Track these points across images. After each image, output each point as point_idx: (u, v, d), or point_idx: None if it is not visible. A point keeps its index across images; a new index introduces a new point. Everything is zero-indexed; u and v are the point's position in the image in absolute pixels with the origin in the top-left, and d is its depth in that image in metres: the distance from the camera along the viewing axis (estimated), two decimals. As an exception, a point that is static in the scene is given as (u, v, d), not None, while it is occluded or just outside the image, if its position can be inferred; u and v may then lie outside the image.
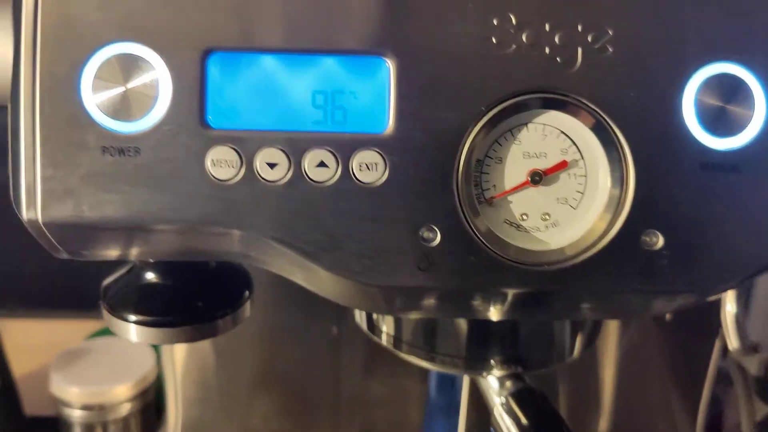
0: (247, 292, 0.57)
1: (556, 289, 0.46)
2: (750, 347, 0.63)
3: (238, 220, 0.44)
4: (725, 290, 0.52)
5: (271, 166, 0.43)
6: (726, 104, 0.45)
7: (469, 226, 0.44)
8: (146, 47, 0.43)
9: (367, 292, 0.46)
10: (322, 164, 0.43)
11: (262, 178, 0.43)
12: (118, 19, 0.43)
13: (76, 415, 0.87)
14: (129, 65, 0.43)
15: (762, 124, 0.45)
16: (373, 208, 0.44)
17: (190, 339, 0.55)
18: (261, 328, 0.75)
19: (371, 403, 0.77)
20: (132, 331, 0.53)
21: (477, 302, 0.48)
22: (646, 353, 0.84)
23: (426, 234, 0.44)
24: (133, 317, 0.53)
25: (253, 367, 0.78)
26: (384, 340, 0.59)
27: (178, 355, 0.77)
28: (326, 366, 0.74)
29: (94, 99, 0.43)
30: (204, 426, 0.79)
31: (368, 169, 0.44)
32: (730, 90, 0.45)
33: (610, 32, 0.44)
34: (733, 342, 0.65)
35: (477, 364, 0.56)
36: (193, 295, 0.55)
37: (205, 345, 0.78)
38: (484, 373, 0.57)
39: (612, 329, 0.83)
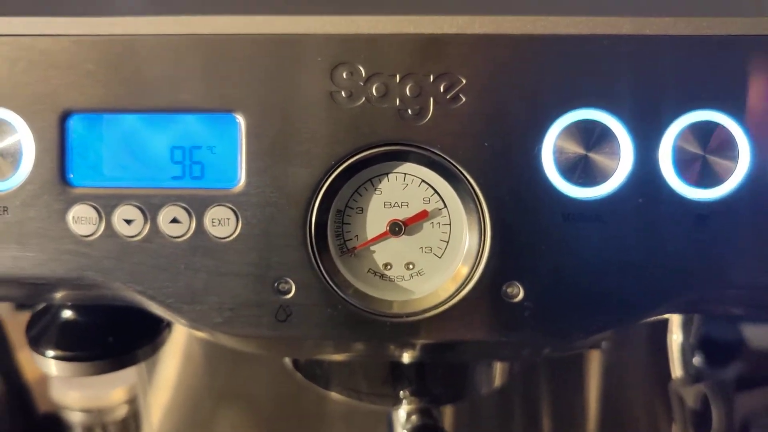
0: (165, 320, 0.59)
1: (415, 341, 0.46)
2: (691, 377, 0.61)
3: (102, 274, 0.45)
4: (597, 341, 0.51)
5: (128, 222, 0.45)
6: (589, 152, 0.43)
7: (324, 278, 0.45)
8: (9, 110, 0.45)
9: (233, 340, 0.47)
10: (175, 220, 0.45)
11: (121, 234, 0.45)
12: (-20, 86, 0.45)
13: (76, 417, 0.92)
14: (-5, 128, 0.45)
15: (628, 171, 0.43)
16: (227, 262, 0.45)
17: (110, 370, 0.57)
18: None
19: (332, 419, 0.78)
20: (52, 366, 0.56)
21: (345, 347, 0.48)
22: (631, 363, 0.81)
23: (282, 286, 0.45)
24: (52, 353, 0.56)
25: (218, 381, 0.80)
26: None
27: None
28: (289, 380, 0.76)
29: (-37, 161, 0.45)
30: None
31: (220, 224, 0.44)
32: (594, 137, 0.43)
33: (463, 81, 0.43)
34: (676, 370, 0.62)
35: (382, 398, 0.56)
36: (111, 329, 0.57)
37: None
38: (394, 407, 0.57)
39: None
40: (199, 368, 0.79)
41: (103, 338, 0.57)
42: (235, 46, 0.44)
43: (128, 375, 0.93)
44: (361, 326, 0.45)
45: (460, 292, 0.45)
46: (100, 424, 0.93)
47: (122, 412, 0.93)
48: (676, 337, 0.62)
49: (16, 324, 0.94)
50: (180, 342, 0.84)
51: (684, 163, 0.43)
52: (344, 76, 0.43)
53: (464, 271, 0.45)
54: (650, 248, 0.43)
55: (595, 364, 0.72)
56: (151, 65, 0.44)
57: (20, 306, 0.99)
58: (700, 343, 0.63)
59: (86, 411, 0.92)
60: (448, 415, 0.69)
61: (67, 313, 0.57)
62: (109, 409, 0.92)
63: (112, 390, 0.92)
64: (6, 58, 0.44)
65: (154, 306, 0.46)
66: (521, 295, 0.44)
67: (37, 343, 0.57)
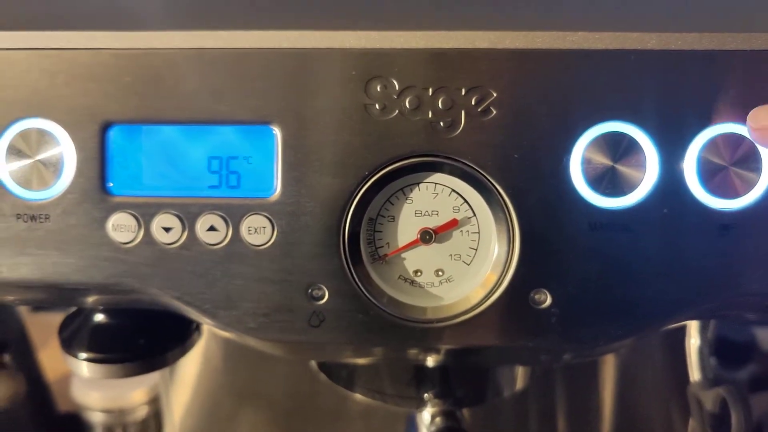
0: (194, 323, 0.60)
1: (444, 345, 0.47)
2: (709, 381, 0.62)
3: (139, 280, 0.47)
4: (619, 348, 0.52)
5: (167, 230, 0.46)
6: (616, 164, 0.45)
7: (357, 285, 0.46)
8: (51, 122, 0.46)
9: (266, 344, 0.48)
10: (212, 228, 0.46)
11: (159, 242, 0.46)
12: (25, 98, 0.46)
13: (97, 417, 0.93)
14: (37, 139, 0.46)
15: (654, 182, 0.45)
16: (263, 269, 0.46)
17: (141, 372, 0.59)
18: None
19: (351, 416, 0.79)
20: (84, 367, 0.57)
21: (375, 352, 0.49)
22: (646, 368, 0.83)
23: (315, 293, 0.46)
24: (84, 355, 0.57)
25: (238, 380, 0.81)
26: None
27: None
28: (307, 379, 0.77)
29: (7, 170, 0.46)
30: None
31: (256, 232, 0.46)
32: (621, 149, 0.45)
33: (494, 94, 0.44)
34: (694, 374, 0.64)
35: (406, 400, 0.58)
36: (142, 332, 0.58)
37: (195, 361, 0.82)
38: (418, 409, 0.58)
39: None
40: (219, 367, 0.81)
41: (134, 341, 0.58)
42: (272, 60, 0.45)
43: (149, 375, 0.94)
44: (392, 331, 0.46)
45: (489, 298, 0.46)
46: (121, 424, 0.94)
47: (143, 412, 0.94)
48: (694, 341, 0.64)
49: (37, 324, 0.96)
50: (200, 341, 0.86)
51: (708, 175, 0.44)
52: (378, 89, 0.45)
53: (493, 277, 0.46)
54: (675, 257, 0.45)
55: (612, 367, 0.73)
56: (189, 78, 0.45)
57: (37, 307, 1.00)
58: (718, 346, 0.64)
59: (107, 411, 0.94)
60: (465, 416, 0.70)
61: (99, 316, 0.58)
62: (130, 410, 0.94)
63: (132, 391, 0.93)
64: (48, 71, 0.46)
65: (190, 311, 0.47)
66: (548, 302, 0.45)
67: (69, 344, 0.58)
